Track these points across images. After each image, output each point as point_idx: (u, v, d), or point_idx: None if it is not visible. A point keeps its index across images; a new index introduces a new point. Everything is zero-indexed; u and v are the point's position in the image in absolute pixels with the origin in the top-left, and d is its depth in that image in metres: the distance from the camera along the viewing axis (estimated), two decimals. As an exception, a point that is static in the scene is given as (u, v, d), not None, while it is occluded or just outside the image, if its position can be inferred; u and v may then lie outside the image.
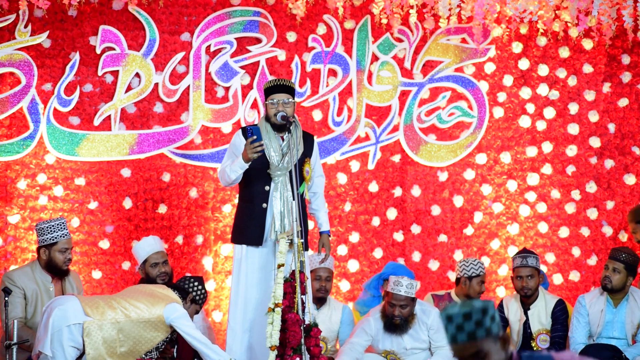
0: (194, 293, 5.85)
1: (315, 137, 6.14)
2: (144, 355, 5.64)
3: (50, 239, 6.14)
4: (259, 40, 7.31)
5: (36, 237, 6.27)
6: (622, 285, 6.47)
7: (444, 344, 6.33)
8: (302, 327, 5.50)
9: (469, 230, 7.56)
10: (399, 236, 7.50)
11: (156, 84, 7.15)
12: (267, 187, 5.84)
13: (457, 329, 3.03)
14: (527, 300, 6.65)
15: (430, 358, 6.35)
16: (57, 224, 6.19)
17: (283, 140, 5.86)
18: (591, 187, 7.72)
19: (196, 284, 5.89)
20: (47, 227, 6.17)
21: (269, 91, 5.87)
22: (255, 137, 5.66)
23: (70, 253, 6.22)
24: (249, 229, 5.88)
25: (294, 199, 5.70)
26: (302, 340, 5.52)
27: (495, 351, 3.03)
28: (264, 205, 5.83)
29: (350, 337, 6.37)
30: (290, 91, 5.87)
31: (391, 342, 6.29)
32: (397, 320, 6.23)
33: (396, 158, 7.52)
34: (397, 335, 6.28)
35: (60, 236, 6.16)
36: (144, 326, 5.55)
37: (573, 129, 7.72)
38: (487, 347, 3.02)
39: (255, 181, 5.88)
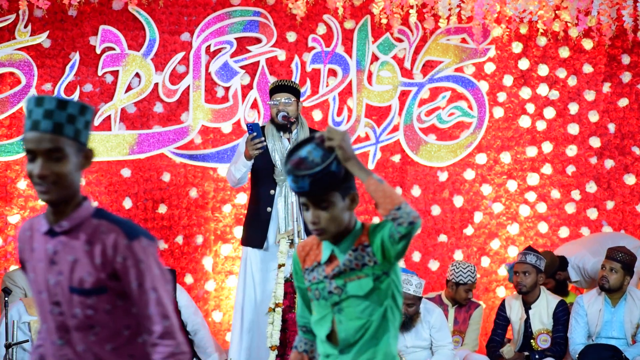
0: None
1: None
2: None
3: None
4: (259, 40, 7.31)
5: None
6: (619, 285, 6.48)
7: (445, 343, 6.33)
8: (302, 327, 5.50)
9: (469, 230, 7.57)
10: (399, 236, 7.48)
11: (156, 84, 7.15)
12: (272, 191, 5.83)
13: (45, 114, 2.60)
14: (528, 299, 6.65)
15: (430, 358, 6.34)
16: None
17: (289, 142, 5.85)
18: (591, 187, 7.72)
19: None
20: None
21: (271, 92, 5.89)
22: (255, 134, 5.66)
23: None
24: (253, 231, 5.89)
25: (295, 199, 5.70)
26: (303, 341, 5.52)
27: (74, 165, 2.61)
28: (269, 209, 5.83)
29: None
30: (292, 91, 5.88)
31: (392, 339, 6.28)
32: (402, 317, 6.21)
33: (396, 158, 7.52)
34: (399, 333, 6.27)
35: None
36: None
37: (573, 129, 7.72)
38: (68, 150, 2.60)
39: (262, 184, 5.88)
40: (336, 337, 3.14)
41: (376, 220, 7.46)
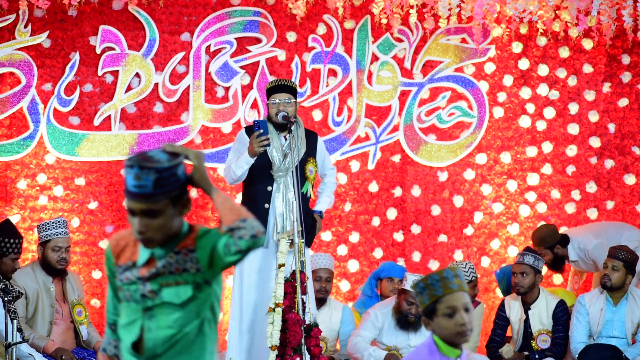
0: None
1: (318, 136, 6.14)
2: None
3: (44, 237, 6.16)
4: (259, 40, 7.31)
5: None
6: (621, 284, 6.48)
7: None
8: (302, 327, 5.51)
9: (469, 230, 7.56)
10: (399, 236, 7.50)
11: (156, 84, 7.16)
12: (269, 188, 5.84)
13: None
14: (527, 299, 6.65)
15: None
16: (54, 222, 6.22)
17: (285, 139, 5.86)
18: (591, 187, 7.72)
19: None
20: (44, 225, 6.21)
21: (270, 91, 5.89)
22: (262, 130, 5.68)
23: (65, 253, 6.19)
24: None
25: (295, 199, 5.71)
26: (303, 340, 5.52)
27: None
28: (267, 205, 5.83)
29: (357, 329, 6.35)
30: (292, 91, 5.88)
31: (396, 338, 6.27)
32: (412, 318, 6.21)
33: (396, 158, 7.52)
34: (404, 332, 6.27)
35: (54, 234, 6.17)
36: None
37: (573, 129, 7.72)
38: None
39: (258, 181, 5.88)
40: (142, 346, 2.89)
41: (376, 221, 7.46)
